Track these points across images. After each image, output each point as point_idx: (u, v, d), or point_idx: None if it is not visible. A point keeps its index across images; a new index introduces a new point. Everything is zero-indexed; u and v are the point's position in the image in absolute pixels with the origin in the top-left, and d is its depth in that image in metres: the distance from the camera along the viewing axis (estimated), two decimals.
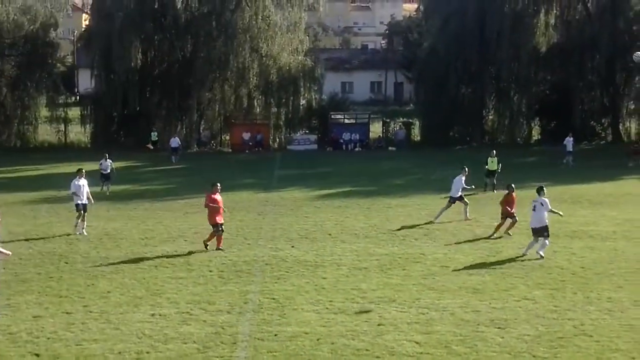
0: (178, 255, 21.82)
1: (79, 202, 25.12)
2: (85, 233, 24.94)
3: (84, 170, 26.08)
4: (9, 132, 62.21)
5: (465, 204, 27.69)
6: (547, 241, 21.60)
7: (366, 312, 16.06)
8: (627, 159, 45.68)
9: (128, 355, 13.49)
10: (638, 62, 27.75)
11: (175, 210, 30.41)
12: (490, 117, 64.72)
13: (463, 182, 27.94)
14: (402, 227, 26.01)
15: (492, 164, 34.93)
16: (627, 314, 15.74)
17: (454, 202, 27.70)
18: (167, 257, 21.66)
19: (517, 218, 24.40)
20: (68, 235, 24.84)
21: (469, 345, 13.92)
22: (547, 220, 21.55)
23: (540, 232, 21.47)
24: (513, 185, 25.04)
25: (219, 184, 22.99)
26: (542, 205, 21.61)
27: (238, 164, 49.82)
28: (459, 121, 61.95)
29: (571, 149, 46.68)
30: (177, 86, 60.47)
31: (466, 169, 28.84)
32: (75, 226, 25.14)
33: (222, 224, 22.53)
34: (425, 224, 26.91)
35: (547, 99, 63.05)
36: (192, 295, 17.49)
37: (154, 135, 58.13)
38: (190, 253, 22.09)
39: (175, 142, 51.63)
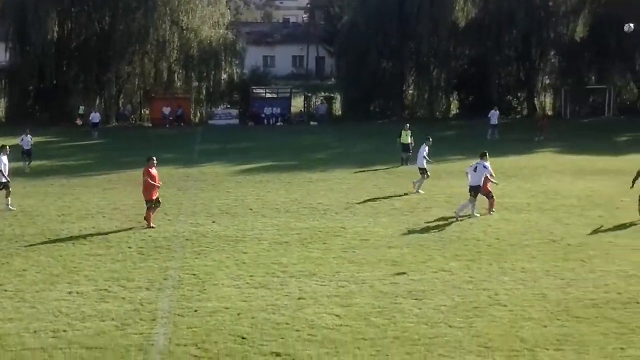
0: (96, 232, 21.52)
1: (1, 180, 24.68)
2: (12, 208, 24.52)
3: (8, 147, 25.57)
4: None
5: (425, 176, 28.37)
6: (475, 202, 23.18)
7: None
8: (536, 133, 46.53)
9: (44, 334, 13.29)
10: (628, 31, 28.49)
11: (92, 186, 29.91)
12: (410, 91, 65.34)
13: (426, 152, 28.59)
14: (366, 200, 26.18)
15: (406, 137, 35.23)
16: (540, 283, 16.22)
17: (424, 172, 28.36)
18: (85, 233, 21.35)
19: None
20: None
21: (387, 317, 14.15)
22: (480, 183, 22.99)
23: (475, 190, 23.03)
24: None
25: (154, 158, 22.72)
26: (484, 167, 23.05)
27: (158, 139, 49.17)
28: (380, 95, 62.36)
29: (495, 122, 47.28)
30: (95, 59, 59.13)
31: (430, 139, 29.37)
32: None
33: (156, 199, 22.34)
34: (404, 194, 27.55)
35: (466, 74, 63.97)
36: (110, 272, 17.30)
37: (82, 109, 56.80)
38: (132, 229, 21.83)
39: (96, 117, 50.54)
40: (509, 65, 64.60)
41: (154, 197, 22.28)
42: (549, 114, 58.51)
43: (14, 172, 26.32)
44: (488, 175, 23.15)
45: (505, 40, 62.00)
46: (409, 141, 35.13)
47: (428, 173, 28.48)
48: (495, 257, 18.43)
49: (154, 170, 22.37)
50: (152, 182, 22.17)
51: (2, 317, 14.16)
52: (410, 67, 64.26)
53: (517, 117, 62.46)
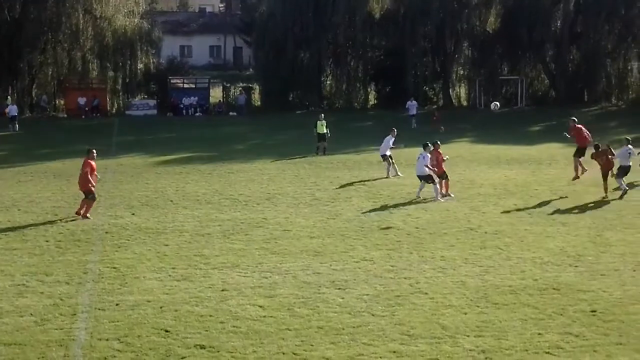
0: (11, 226, 21.01)
1: None
2: None
3: None
4: None
5: (389, 163, 29.39)
6: (436, 186, 24.32)
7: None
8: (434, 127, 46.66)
9: None
10: (494, 109, 28.95)
11: (7, 179, 29.13)
12: (329, 82, 65.64)
13: (391, 142, 29.60)
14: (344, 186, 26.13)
15: (322, 127, 35.74)
16: (459, 271, 16.58)
17: (385, 159, 29.62)
18: (0, 228, 20.82)
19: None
20: None
21: (311, 307, 14.27)
22: (428, 171, 24.47)
23: (425, 178, 24.59)
24: (439, 142, 26.27)
25: (94, 150, 22.72)
26: (424, 158, 24.38)
27: (74, 130, 48.15)
28: (298, 86, 62.23)
29: (414, 113, 47.82)
30: (6, 48, 57.39)
31: (395, 130, 30.27)
32: None
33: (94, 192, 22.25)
34: (384, 178, 28.62)
35: (382, 64, 64.50)
36: (27, 267, 16.95)
37: (9, 99, 54.53)
38: (50, 222, 21.31)
39: (13, 109, 47.94)
40: (424, 57, 65.39)
41: (92, 189, 22.08)
42: (437, 110, 56.92)
43: None
44: (427, 166, 24.41)
45: (420, 31, 62.70)
46: (325, 131, 35.60)
47: (391, 160, 29.49)
48: (416, 246, 18.73)
49: (93, 162, 22.29)
50: (89, 174, 22.02)
51: None
52: (327, 58, 64.48)
53: (434, 107, 63.21)
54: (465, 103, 64.61)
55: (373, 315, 13.82)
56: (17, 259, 17.59)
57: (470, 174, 30.10)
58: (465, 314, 13.87)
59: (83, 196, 22.29)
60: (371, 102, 64.36)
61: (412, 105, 48.03)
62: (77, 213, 22.11)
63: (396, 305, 14.34)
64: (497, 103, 28.31)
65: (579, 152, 28.00)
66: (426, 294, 15.00)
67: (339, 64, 64.00)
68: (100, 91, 58.89)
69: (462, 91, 66.84)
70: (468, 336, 12.78)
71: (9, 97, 54.74)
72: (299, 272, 16.55)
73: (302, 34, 60.29)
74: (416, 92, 57.52)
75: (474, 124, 48.63)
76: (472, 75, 65.23)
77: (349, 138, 38.14)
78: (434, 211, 22.90)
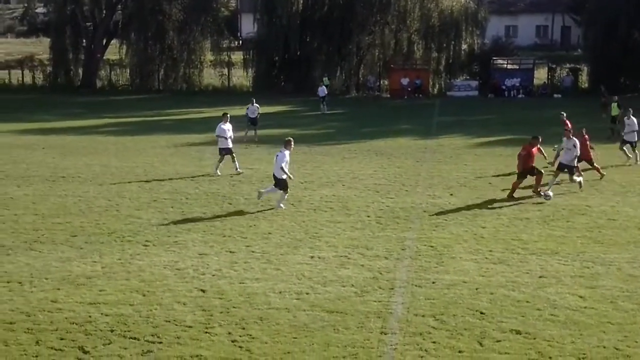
0: (336, 200, 22.00)
1: (222, 146, 26.14)
2: (241, 170, 26.09)
3: (228, 115, 26.96)
4: (176, 76, 64.46)
5: None
6: None
7: None
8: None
9: (288, 295, 13.79)
10: None
11: (333, 155, 30.64)
12: None
13: None
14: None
15: (614, 109, 34.62)
16: None
17: None
18: (326, 201, 21.90)
19: None
20: (231, 176, 25.60)
21: (637, 302, 13.34)
22: None
23: None
24: None
25: (540, 138, 22.66)
26: None
27: (396, 110, 49.51)
28: (630, 68, 58.72)
29: None
30: (337, 31, 60.39)
31: None
32: (216, 168, 26.13)
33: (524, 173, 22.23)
34: None
35: None
36: (350, 240, 17.63)
37: (326, 80, 57.25)
38: (370, 199, 22.22)
39: (322, 90, 48.86)
40: None
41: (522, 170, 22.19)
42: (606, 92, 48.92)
43: (236, 139, 27.66)
44: None
45: None
46: (617, 113, 34.15)
47: None
48: None
49: (534, 150, 22.29)
50: (527, 157, 22.09)
51: (250, 276, 14.88)
52: None
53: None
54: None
55: None
56: (340, 232, 18.39)
57: None
58: None
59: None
60: None
61: None
62: (534, 191, 22.13)
63: None
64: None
65: None
66: None
67: None
68: (423, 72, 60.00)
69: None
70: None
71: (324, 78, 57.37)
72: (624, 265, 15.54)
73: (637, 13, 56.54)
74: None
75: None
76: None
77: None
78: None
